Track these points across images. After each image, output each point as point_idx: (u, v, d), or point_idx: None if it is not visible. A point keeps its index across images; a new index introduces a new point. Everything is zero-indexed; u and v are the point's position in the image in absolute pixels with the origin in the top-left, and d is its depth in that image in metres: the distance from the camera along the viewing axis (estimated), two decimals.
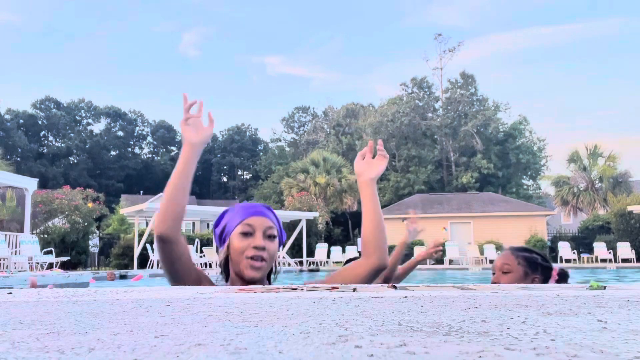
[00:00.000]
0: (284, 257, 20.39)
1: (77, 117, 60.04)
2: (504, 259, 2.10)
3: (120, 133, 61.21)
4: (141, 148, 64.80)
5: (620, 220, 22.20)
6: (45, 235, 17.21)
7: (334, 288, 1.29)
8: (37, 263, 13.63)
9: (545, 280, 2.03)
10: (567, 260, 21.20)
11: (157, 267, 15.28)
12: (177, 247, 1.54)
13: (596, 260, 20.46)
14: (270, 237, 1.57)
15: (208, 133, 1.79)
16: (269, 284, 1.63)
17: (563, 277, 2.07)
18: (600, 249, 20.71)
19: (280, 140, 52.02)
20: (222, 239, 1.62)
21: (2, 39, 76.96)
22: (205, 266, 18.09)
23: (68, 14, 79.66)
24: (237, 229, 1.56)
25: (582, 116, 77.60)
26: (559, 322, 0.62)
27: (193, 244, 18.90)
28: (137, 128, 63.75)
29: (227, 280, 1.63)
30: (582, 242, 23.68)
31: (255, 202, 2.03)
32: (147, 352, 0.46)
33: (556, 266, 2.10)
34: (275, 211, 1.69)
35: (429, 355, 0.44)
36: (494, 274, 2.11)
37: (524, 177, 41.14)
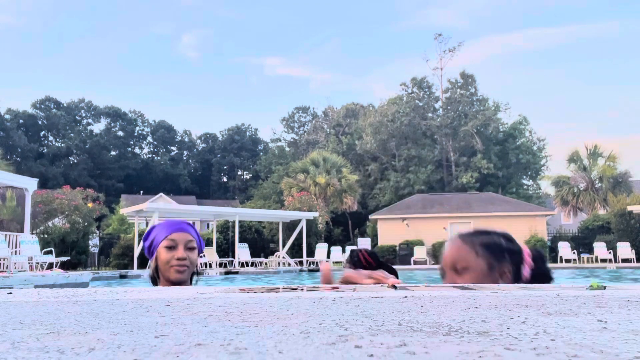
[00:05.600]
0: (284, 257, 20.39)
1: (77, 117, 60.05)
2: (455, 251, 1.52)
3: (120, 133, 61.20)
4: (141, 148, 64.82)
5: (620, 220, 22.20)
6: (45, 235, 17.21)
7: (334, 288, 1.29)
8: (37, 263, 13.63)
9: (518, 269, 1.50)
10: (567, 260, 21.20)
11: None
12: None
13: (596, 260, 20.46)
14: (191, 249, 1.90)
15: None
16: (190, 284, 1.95)
17: (540, 260, 1.54)
18: (600, 249, 20.71)
19: (280, 140, 52.05)
20: (150, 251, 1.92)
21: (2, 39, 76.98)
22: (205, 266, 18.09)
23: (68, 14, 79.67)
24: (162, 243, 1.88)
25: (582, 116, 77.61)
26: (559, 322, 0.62)
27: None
28: (137, 128, 63.74)
29: (155, 284, 1.92)
30: (582, 242, 23.69)
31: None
32: (147, 352, 0.46)
33: (526, 248, 1.56)
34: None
35: (429, 355, 0.44)
36: (443, 275, 1.54)
37: (524, 177, 41.13)
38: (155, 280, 1.93)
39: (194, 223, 34.67)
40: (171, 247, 1.86)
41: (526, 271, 1.48)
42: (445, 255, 1.54)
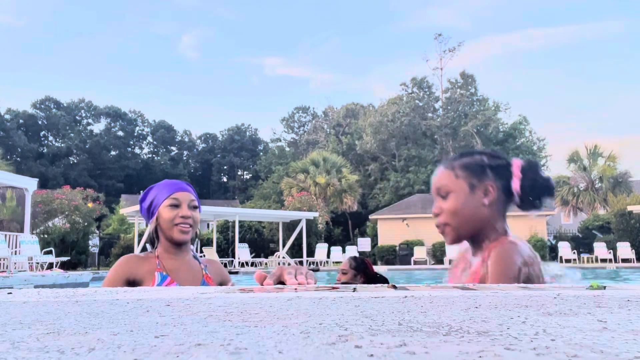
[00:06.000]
0: (284, 257, 20.39)
1: (77, 117, 60.03)
2: (438, 177, 1.53)
3: (120, 133, 61.18)
4: (141, 148, 64.78)
5: (620, 220, 22.20)
6: (45, 235, 17.21)
7: (334, 288, 1.29)
8: (37, 263, 13.63)
9: (508, 183, 1.46)
10: (567, 260, 21.21)
11: None
12: None
13: (596, 260, 20.46)
14: (194, 208, 1.89)
15: None
16: (193, 244, 1.98)
17: (530, 170, 1.46)
18: (600, 249, 20.72)
19: (280, 140, 52.02)
20: (150, 211, 1.89)
21: (2, 39, 76.98)
22: None
23: (68, 14, 79.66)
24: (165, 202, 1.85)
25: (582, 116, 77.60)
26: (559, 322, 0.62)
27: (193, 244, 18.88)
28: (137, 128, 63.71)
29: (154, 245, 1.90)
30: (582, 242, 23.69)
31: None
32: (147, 352, 0.46)
33: (517, 160, 1.50)
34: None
35: (429, 355, 0.44)
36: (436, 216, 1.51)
37: None
38: (153, 241, 1.91)
39: None
40: (175, 206, 1.84)
41: (515, 184, 1.47)
42: (432, 182, 1.58)
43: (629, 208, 21.23)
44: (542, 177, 1.49)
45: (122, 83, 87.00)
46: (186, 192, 1.90)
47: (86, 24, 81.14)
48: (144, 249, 17.13)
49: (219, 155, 63.59)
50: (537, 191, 1.48)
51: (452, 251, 20.32)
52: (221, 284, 1.92)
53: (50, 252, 14.65)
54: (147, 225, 1.96)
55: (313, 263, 20.50)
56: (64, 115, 57.26)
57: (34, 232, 16.30)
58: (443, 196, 1.51)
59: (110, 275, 1.79)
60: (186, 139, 67.09)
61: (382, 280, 2.92)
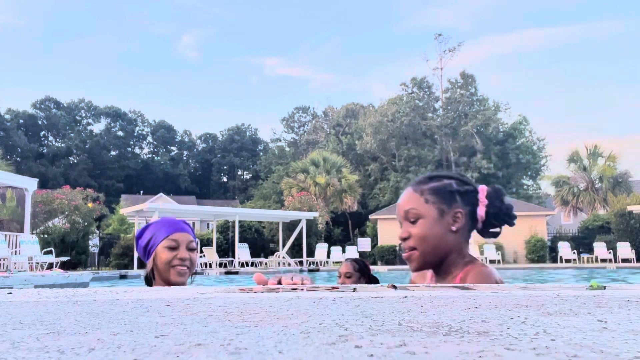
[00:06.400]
0: (284, 257, 20.39)
1: (77, 117, 60.04)
2: (406, 201, 1.51)
3: (120, 133, 61.19)
4: (141, 148, 64.81)
5: (620, 220, 22.20)
6: (45, 235, 17.21)
7: (334, 288, 1.29)
8: (37, 263, 13.63)
9: (474, 210, 1.45)
10: (567, 260, 21.20)
11: None
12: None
13: (596, 260, 20.46)
14: (192, 250, 1.86)
15: None
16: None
17: (495, 197, 1.47)
18: (600, 249, 20.71)
19: (280, 140, 52.02)
20: (147, 250, 1.86)
21: (2, 39, 76.99)
22: (205, 266, 18.08)
23: (68, 14, 79.67)
24: (162, 243, 1.82)
25: (582, 116, 77.62)
26: (559, 322, 0.62)
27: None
28: (137, 128, 63.72)
29: (149, 284, 1.87)
30: (582, 242, 23.69)
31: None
32: (147, 352, 0.46)
33: (483, 186, 1.50)
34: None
35: (429, 355, 0.44)
36: (401, 225, 1.51)
37: (524, 177, 41.12)
38: (150, 281, 1.87)
39: (193, 224, 34.69)
40: (173, 248, 1.81)
41: (481, 210, 1.46)
42: (399, 204, 1.54)
43: (629, 208, 21.22)
44: (506, 205, 1.49)
45: (122, 83, 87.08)
46: (185, 232, 1.86)
47: (86, 24, 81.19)
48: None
49: (219, 155, 63.60)
50: (500, 218, 1.48)
51: None
52: None
53: (50, 252, 14.64)
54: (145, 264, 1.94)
55: (313, 263, 20.50)
56: (64, 115, 57.26)
57: (34, 232, 16.30)
58: (412, 221, 1.47)
59: None
60: (186, 139, 67.10)
61: (376, 280, 2.97)
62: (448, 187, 1.47)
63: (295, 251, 22.15)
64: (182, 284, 1.82)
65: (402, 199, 1.54)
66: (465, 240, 1.50)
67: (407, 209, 1.49)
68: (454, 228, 1.45)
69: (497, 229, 1.50)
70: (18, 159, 50.41)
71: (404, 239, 1.50)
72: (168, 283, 1.81)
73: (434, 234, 1.45)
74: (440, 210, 1.45)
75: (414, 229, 1.46)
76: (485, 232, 1.50)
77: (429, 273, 1.58)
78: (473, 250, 22.25)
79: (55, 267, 13.85)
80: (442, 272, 1.51)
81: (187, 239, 1.85)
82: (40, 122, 56.96)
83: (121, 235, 23.18)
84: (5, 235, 13.36)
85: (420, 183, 1.52)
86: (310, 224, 22.53)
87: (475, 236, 1.56)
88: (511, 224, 1.50)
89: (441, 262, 1.49)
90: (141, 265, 17.46)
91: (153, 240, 1.85)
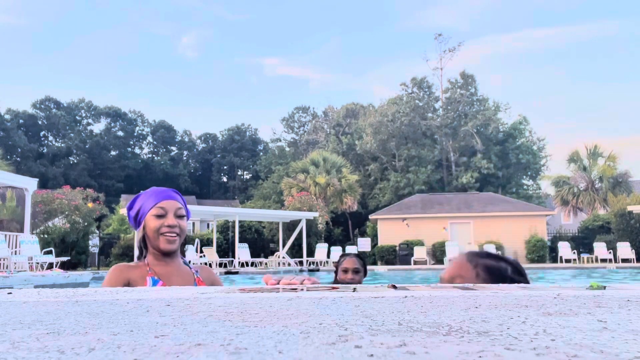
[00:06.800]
0: (284, 257, 20.39)
1: (77, 117, 60.01)
2: (457, 268, 1.47)
3: (120, 133, 61.17)
4: (141, 148, 64.78)
5: (620, 220, 22.21)
6: (45, 235, 17.21)
7: (334, 288, 1.29)
8: (37, 263, 13.63)
9: None
10: (567, 260, 21.21)
11: None
12: None
13: (596, 260, 20.46)
14: (180, 217, 1.85)
15: None
16: (183, 255, 1.94)
17: None
18: (600, 249, 20.71)
19: (280, 140, 52.02)
20: (137, 220, 1.88)
21: (2, 39, 77.00)
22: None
23: (68, 14, 79.69)
24: (151, 212, 1.83)
25: (582, 116, 77.62)
26: (559, 322, 0.62)
27: (193, 244, 18.91)
28: (137, 128, 63.69)
29: (142, 254, 1.89)
30: (582, 242, 23.69)
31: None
32: (147, 352, 0.46)
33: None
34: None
35: (429, 355, 0.44)
36: None
37: (524, 177, 41.13)
38: (142, 250, 1.89)
39: (193, 224, 34.68)
40: (161, 215, 1.81)
41: None
42: (447, 269, 1.50)
43: (629, 208, 21.23)
44: None
45: (122, 83, 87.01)
46: (173, 200, 1.86)
47: (86, 24, 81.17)
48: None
49: (219, 155, 63.58)
50: None
51: (453, 251, 20.14)
52: None
53: (50, 252, 14.65)
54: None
55: (313, 263, 20.50)
56: (64, 115, 57.25)
57: (34, 232, 16.30)
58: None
59: (105, 284, 1.79)
60: (186, 139, 67.09)
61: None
62: (503, 270, 1.43)
63: (295, 251, 22.15)
64: (172, 251, 1.83)
65: (453, 264, 1.49)
66: None
67: (455, 275, 1.44)
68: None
69: None
70: (18, 159, 50.41)
71: None
72: (159, 251, 1.83)
73: None
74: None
75: None
76: None
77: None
78: (473, 249, 22.26)
79: (55, 267, 13.85)
80: None
81: (174, 206, 1.85)
82: (40, 122, 56.95)
83: (121, 235, 23.20)
84: (5, 235, 13.36)
85: (476, 256, 1.46)
86: (310, 224, 22.53)
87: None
88: None
89: None
90: None
91: (142, 209, 1.86)
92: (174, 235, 1.81)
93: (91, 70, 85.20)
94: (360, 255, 3.01)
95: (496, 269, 1.42)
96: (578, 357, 0.43)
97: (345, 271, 2.97)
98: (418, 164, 37.17)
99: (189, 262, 2.02)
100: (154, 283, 1.79)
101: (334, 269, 3.18)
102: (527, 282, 1.43)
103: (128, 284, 1.79)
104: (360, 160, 40.63)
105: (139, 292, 1.23)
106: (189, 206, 2.03)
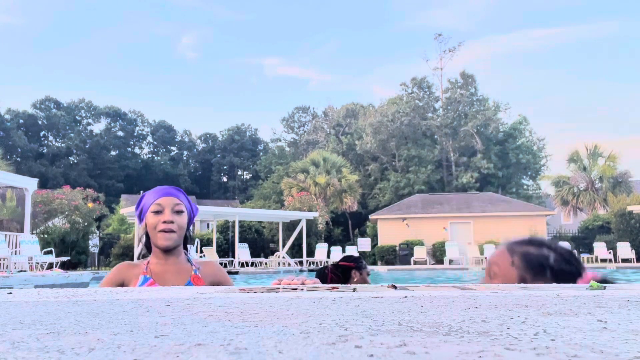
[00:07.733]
0: (284, 257, 20.39)
1: (77, 117, 60.00)
2: (496, 256, 1.42)
3: (120, 133, 61.16)
4: (141, 148, 64.78)
5: (620, 220, 22.20)
6: (45, 235, 17.21)
7: (334, 288, 1.29)
8: (37, 263, 13.62)
9: None
10: None
11: None
12: None
13: (596, 260, 20.46)
14: (178, 212, 1.84)
15: None
16: (186, 251, 1.94)
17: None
18: (600, 249, 20.71)
19: (280, 140, 52.02)
20: (140, 218, 1.90)
21: (2, 39, 76.99)
22: None
23: (68, 14, 79.68)
24: (150, 209, 1.84)
25: (582, 116, 77.60)
26: (559, 322, 0.62)
27: (193, 244, 18.90)
28: (137, 128, 63.70)
29: (149, 251, 1.90)
30: (582, 242, 23.69)
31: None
32: (147, 352, 0.46)
33: (591, 273, 1.29)
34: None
35: (429, 355, 0.44)
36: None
37: (524, 177, 41.13)
38: (149, 248, 1.90)
39: (193, 224, 34.63)
40: (158, 212, 1.82)
41: None
42: (491, 256, 1.45)
43: (629, 208, 21.23)
44: None
45: (122, 83, 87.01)
46: (171, 196, 1.86)
47: (86, 24, 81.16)
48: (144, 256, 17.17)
49: (219, 155, 63.57)
50: None
51: (453, 251, 20.11)
52: (216, 284, 1.89)
53: (50, 252, 14.64)
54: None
55: (313, 263, 20.50)
56: (64, 115, 57.23)
57: (34, 232, 16.30)
58: (491, 276, 1.38)
59: (103, 282, 1.84)
60: (186, 139, 67.10)
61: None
62: (543, 258, 1.31)
63: (295, 251, 22.15)
64: (169, 247, 1.83)
65: (494, 253, 1.43)
66: None
67: (493, 262, 1.39)
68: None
69: None
70: (18, 159, 50.40)
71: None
72: (158, 247, 1.84)
73: None
74: (521, 278, 1.31)
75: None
76: None
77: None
78: (473, 250, 22.28)
79: (55, 267, 13.84)
80: None
81: (172, 202, 1.84)
82: (40, 122, 56.93)
83: (121, 235, 23.20)
84: (5, 235, 13.36)
85: (517, 243, 1.38)
86: (310, 224, 22.53)
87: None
88: None
89: None
90: None
91: (144, 207, 1.88)
92: (171, 232, 1.81)
93: (91, 70, 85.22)
94: (359, 257, 3.03)
95: (534, 257, 1.32)
96: (578, 357, 0.43)
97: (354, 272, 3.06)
98: (418, 164, 37.17)
99: (199, 256, 2.01)
100: (144, 281, 1.80)
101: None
102: (578, 273, 1.31)
103: (123, 283, 1.82)
104: (360, 160, 40.63)
105: (139, 292, 1.23)
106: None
